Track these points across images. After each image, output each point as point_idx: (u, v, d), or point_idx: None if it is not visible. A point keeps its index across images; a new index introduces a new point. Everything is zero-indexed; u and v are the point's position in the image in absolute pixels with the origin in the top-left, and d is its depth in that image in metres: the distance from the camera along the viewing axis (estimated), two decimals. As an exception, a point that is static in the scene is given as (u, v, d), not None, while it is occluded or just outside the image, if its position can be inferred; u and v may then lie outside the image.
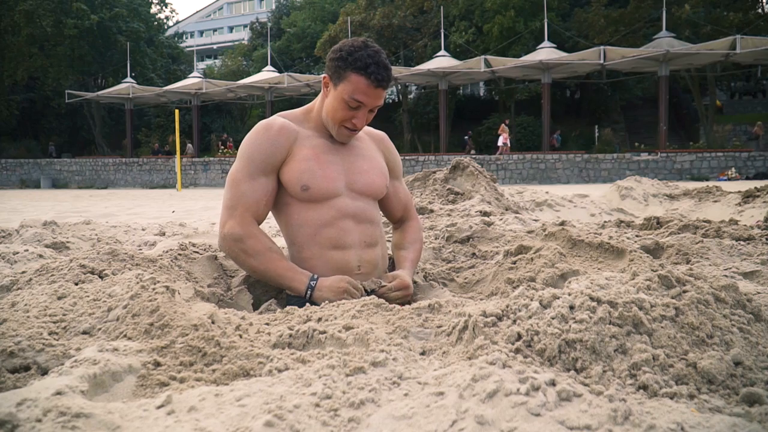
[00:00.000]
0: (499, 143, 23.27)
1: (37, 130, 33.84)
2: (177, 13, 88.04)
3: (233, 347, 1.10)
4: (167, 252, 2.11)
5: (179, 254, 2.09)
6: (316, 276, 1.75)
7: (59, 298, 1.41)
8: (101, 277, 1.64)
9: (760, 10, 25.87)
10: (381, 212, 2.14)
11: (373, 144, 2.03)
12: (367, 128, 2.06)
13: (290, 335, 1.17)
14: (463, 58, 25.75)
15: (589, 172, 21.07)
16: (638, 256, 1.86)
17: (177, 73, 35.92)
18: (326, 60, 1.83)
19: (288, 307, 1.40)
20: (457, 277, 2.24)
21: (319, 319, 1.27)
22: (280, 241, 2.40)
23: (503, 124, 23.99)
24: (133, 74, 30.30)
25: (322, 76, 1.84)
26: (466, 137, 26.53)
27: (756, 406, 0.86)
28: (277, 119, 1.87)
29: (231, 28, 61.91)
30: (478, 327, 1.05)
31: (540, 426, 0.75)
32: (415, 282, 2.20)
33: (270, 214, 1.92)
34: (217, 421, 0.82)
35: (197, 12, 66.58)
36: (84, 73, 31.96)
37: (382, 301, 1.33)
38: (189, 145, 29.45)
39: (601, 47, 22.29)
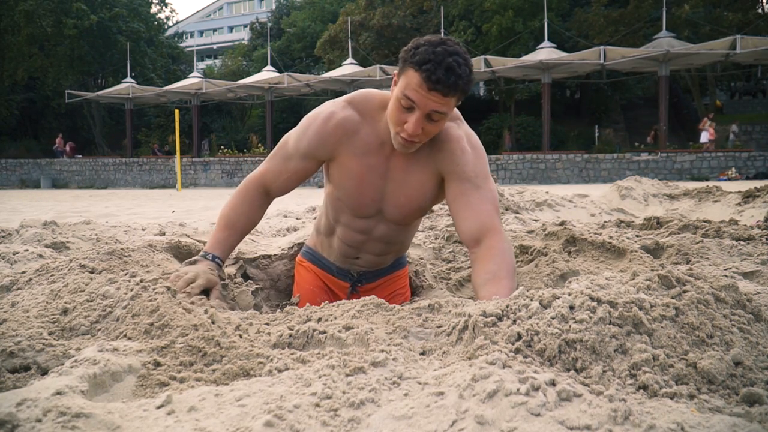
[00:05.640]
0: (704, 139, 21.26)
1: (37, 130, 33.79)
2: (177, 13, 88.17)
3: (233, 347, 1.10)
4: (167, 252, 2.11)
5: (179, 254, 2.09)
6: (208, 256, 1.70)
7: (59, 298, 1.40)
8: (101, 277, 1.64)
9: (760, 10, 25.84)
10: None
11: (430, 154, 1.72)
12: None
13: (290, 335, 1.17)
14: (463, 58, 25.68)
15: (589, 172, 21.05)
16: (638, 256, 1.87)
17: (177, 73, 35.88)
18: None
19: (288, 307, 1.40)
20: (457, 277, 2.24)
21: (319, 319, 1.27)
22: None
23: (707, 118, 21.57)
24: (133, 74, 30.26)
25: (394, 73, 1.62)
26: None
27: (756, 406, 0.86)
28: (342, 112, 1.70)
29: (231, 28, 61.88)
30: (478, 327, 1.05)
31: (540, 426, 0.75)
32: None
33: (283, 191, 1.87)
34: (217, 421, 0.82)
35: (197, 12, 66.57)
36: (84, 73, 31.92)
37: (382, 300, 1.33)
38: (69, 144, 29.16)
39: (601, 47, 22.25)
